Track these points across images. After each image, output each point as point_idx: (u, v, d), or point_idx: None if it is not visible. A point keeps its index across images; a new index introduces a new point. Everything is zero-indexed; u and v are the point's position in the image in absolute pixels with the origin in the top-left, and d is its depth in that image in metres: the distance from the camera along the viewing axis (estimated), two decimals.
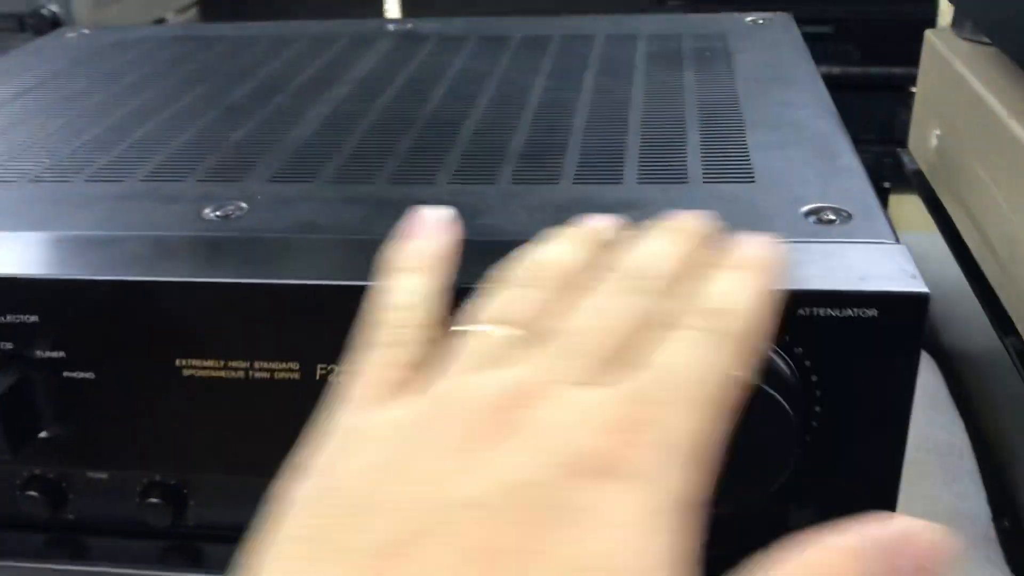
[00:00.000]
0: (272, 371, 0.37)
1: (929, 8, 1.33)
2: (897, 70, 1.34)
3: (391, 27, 0.68)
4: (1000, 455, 0.51)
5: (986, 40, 0.62)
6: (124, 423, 0.39)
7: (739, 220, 0.37)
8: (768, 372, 0.32)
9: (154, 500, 0.42)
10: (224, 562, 0.42)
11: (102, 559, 0.44)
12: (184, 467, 0.40)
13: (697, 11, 1.29)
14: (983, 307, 0.53)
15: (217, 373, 0.37)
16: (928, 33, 0.67)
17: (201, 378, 0.37)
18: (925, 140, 0.67)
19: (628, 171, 0.43)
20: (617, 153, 0.45)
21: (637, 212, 0.39)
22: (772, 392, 0.32)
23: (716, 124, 0.47)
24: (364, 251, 0.36)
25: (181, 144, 0.49)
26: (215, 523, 0.43)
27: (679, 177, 0.42)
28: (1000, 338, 0.50)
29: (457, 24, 0.68)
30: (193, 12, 1.39)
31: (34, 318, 0.37)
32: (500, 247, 0.36)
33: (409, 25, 0.68)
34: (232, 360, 0.37)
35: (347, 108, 0.53)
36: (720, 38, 0.61)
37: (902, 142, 0.74)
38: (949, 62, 0.62)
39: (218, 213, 0.41)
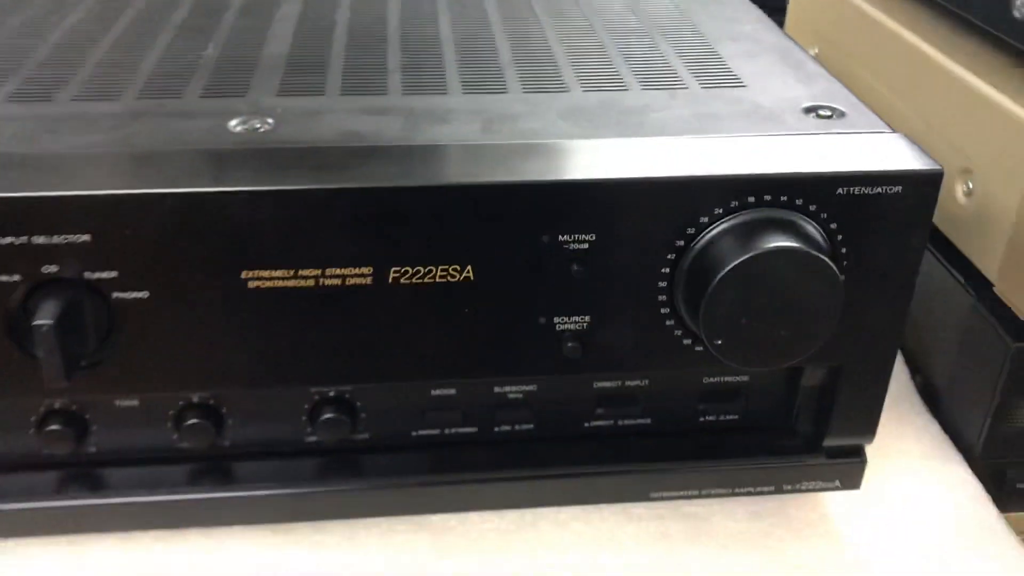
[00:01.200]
0: (344, 277, 0.37)
1: None
2: None
3: None
4: (912, 326, 0.60)
5: None
6: (179, 342, 0.38)
7: (753, 119, 0.42)
8: (814, 245, 0.37)
9: (193, 421, 0.41)
10: (255, 477, 0.43)
11: (126, 488, 0.42)
12: (236, 382, 0.40)
13: None
14: None
15: (287, 283, 0.37)
16: None
17: (269, 289, 0.37)
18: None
19: (629, 80, 0.46)
20: (608, 63, 0.48)
21: (656, 115, 0.42)
22: (825, 259, 0.36)
23: (681, 37, 0.51)
24: (420, 158, 0.38)
25: (156, 63, 0.47)
26: (250, 440, 0.43)
27: (679, 84, 0.45)
28: None
29: None
30: None
31: (85, 238, 0.35)
32: (551, 149, 0.39)
33: None
34: (303, 269, 0.37)
35: (309, 25, 0.52)
36: None
37: None
38: None
39: (245, 127, 0.40)
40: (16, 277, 0.36)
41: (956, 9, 0.55)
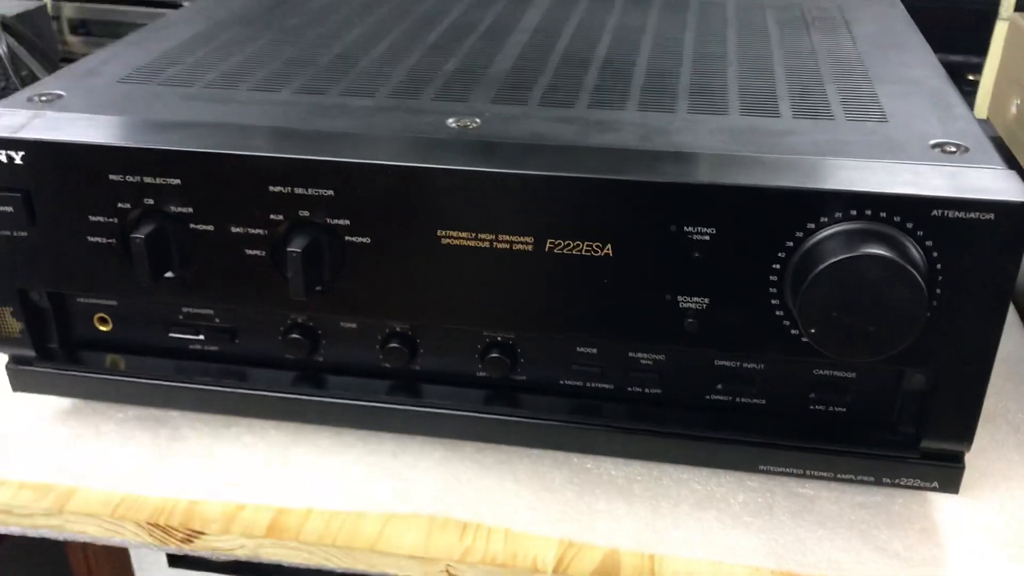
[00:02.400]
0: (511, 243, 0.48)
1: None
2: (957, 57, 1.43)
3: None
4: None
5: None
6: (389, 280, 0.50)
7: (880, 148, 0.48)
8: (907, 257, 0.43)
9: (394, 344, 0.53)
10: (436, 396, 0.54)
11: (341, 391, 0.55)
12: (427, 317, 0.52)
13: None
14: None
15: (470, 243, 0.48)
16: (1015, 16, 0.77)
17: (456, 246, 0.48)
18: (1004, 109, 0.77)
19: (784, 109, 0.53)
20: (771, 94, 0.55)
21: (794, 138, 0.49)
22: (912, 271, 0.42)
23: (848, 78, 0.58)
24: (583, 156, 0.48)
25: (407, 71, 0.60)
26: (436, 368, 0.54)
27: (827, 115, 0.52)
28: None
29: None
30: None
31: (330, 192, 0.48)
32: (691, 158, 0.47)
33: None
34: (482, 233, 0.48)
35: (532, 50, 0.63)
36: (838, 9, 0.71)
37: None
38: None
39: (458, 124, 0.52)
40: (280, 216, 0.49)
41: None
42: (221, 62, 0.61)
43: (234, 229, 0.50)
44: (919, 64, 0.60)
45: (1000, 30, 1.47)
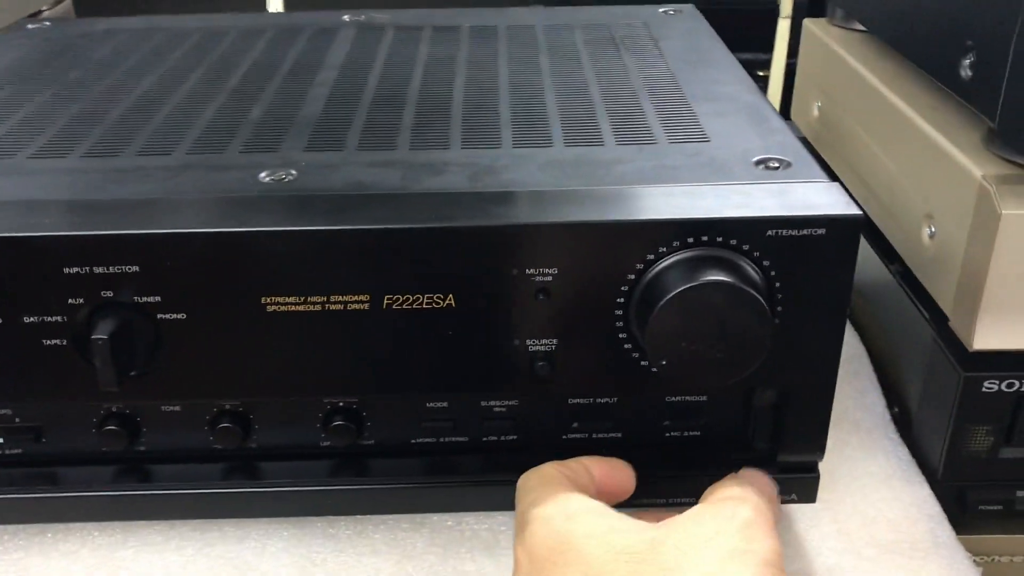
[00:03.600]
0: (345, 303, 0.45)
1: None
2: (746, 55, 1.50)
3: (346, 18, 0.76)
4: (888, 360, 0.64)
5: (854, 27, 0.75)
6: (212, 356, 0.46)
7: (706, 170, 0.48)
8: (747, 280, 0.43)
9: (225, 424, 0.49)
10: (277, 474, 0.50)
11: (170, 481, 0.50)
12: (260, 392, 0.47)
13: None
14: (870, 245, 0.65)
15: (299, 307, 0.44)
16: (807, 22, 0.80)
17: (284, 312, 0.44)
18: (807, 111, 0.79)
19: (607, 136, 0.52)
20: (593, 121, 0.54)
21: (622, 167, 0.48)
22: (754, 293, 0.42)
23: (664, 98, 0.58)
24: (414, 204, 0.45)
25: (208, 122, 0.55)
26: (273, 443, 0.50)
27: (649, 139, 0.52)
28: (886, 265, 0.63)
29: (407, 15, 0.76)
30: (68, 4, 1.41)
31: (135, 268, 0.43)
32: (524, 197, 0.46)
33: (363, 17, 0.76)
34: (311, 296, 0.44)
35: (342, 90, 0.60)
36: (644, 26, 0.72)
37: None
38: (827, 45, 0.75)
39: (272, 178, 0.48)
40: (80, 300, 0.44)
41: (923, 70, 0.60)
42: None
43: (28, 319, 0.44)
44: (730, 79, 0.61)
45: (783, 28, 1.55)
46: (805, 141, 0.80)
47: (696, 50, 0.67)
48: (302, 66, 0.65)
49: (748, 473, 0.47)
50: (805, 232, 0.43)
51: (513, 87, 0.60)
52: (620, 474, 0.48)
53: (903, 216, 0.60)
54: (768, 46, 1.56)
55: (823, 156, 0.76)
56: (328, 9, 0.77)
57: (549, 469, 0.45)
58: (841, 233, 0.43)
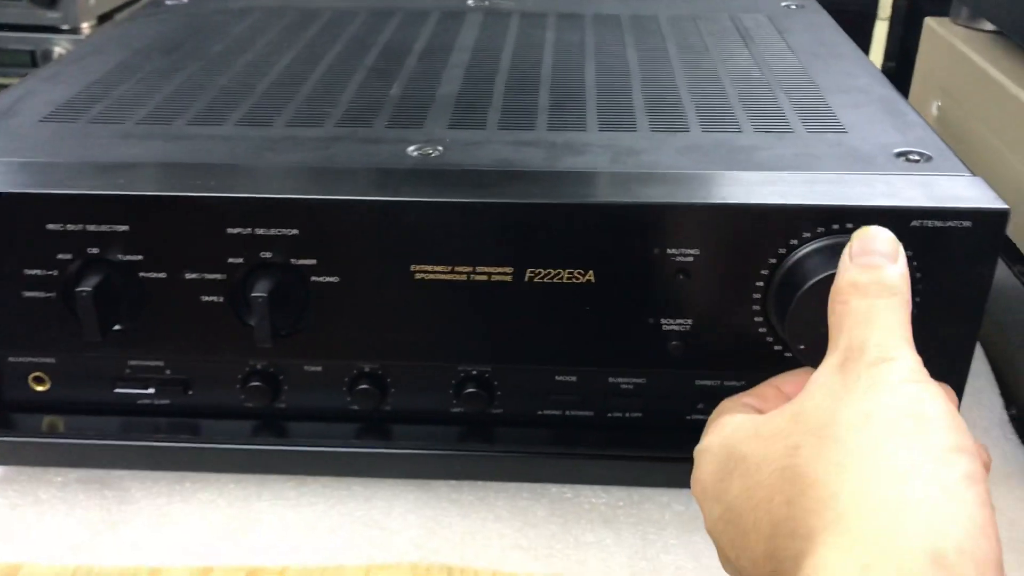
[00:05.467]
0: (490, 274, 0.46)
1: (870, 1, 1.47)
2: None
3: (471, 2, 0.77)
4: (1007, 361, 0.63)
5: (981, 27, 0.74)
6: (359, 320, 0.48)
7: (847, 159, 0.48)
8: None
9: (364, 386, 0.51)
10: (409, 437, 0.51)
11: (306, 438, 0.52)
12: (400, 355, 0.49)
13: None
14: None
15: (446, 276, 0.46)
16: (928, 20, 0.80)
17: (432, 281, 0.46)
18: (926, 110, 0.79)
19: (744, 124, 0.53)
20: (729, 109, 0.55)
21: (762, 152, 0.49)
22: None
23: (798, 89, 0.58)
24: (558, 182, 0.46)
25: (352, 97, 0.57)
26: (407, 408, 0.52)
27: (787, 128, 0.52)
28: (1009, 266, 0.62)
29: (530, 2, 0.77)
30: None
31: (293, 231, 0.46)
32: (667, 178, 0.47)
33: (487, 2, 0.77)
34: (458, 266, 0.46)
35: (477, 71, 0.62)
36: (768, 20, 0.72)
37: None
38: (952, 44, 0.74)
39: (420, 152, 0.50)
40: (240, 260, 0.46)
41: None
42: (151, 95, 0.57)
43: (189, 276, 0.47)
44: (861, 72, 0.61)
45: (880, 31, 1.53)
46: None
47: (824, 43, 0.67)
48: (435, 47, 0.66)
49: (864, 266, 0.40)
50: (951, 224, 0.44)
51: (644, 74, 0.61)
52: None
53: None
54: (864, 49, 1.54)
55: None
56: None
57: (722, 404, 0.44)
58: (986, 226, 0.44)
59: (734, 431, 0.40)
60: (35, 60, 1.17)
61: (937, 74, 0.78)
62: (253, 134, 0.52)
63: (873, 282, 0.38)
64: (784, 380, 0.45)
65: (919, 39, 0.81)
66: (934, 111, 0.77)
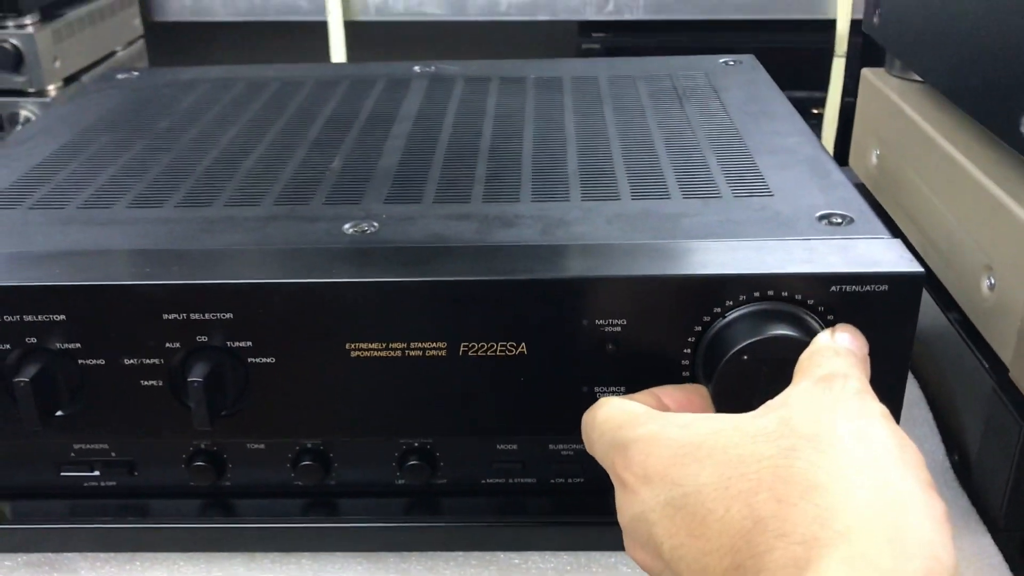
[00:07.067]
0: (424, 350, 0.47)
1: (828, 38, 1.51)
2: (800, 93, 1.51)
3: (417, 68, 0.79)
4: (947, 407, 0.65)
5: (913, 77, 0.76)
6: (297, 398, 0.48)
7: (770, 224, 0.50)
8: (811, 333, 0.44)
9: (307, 462, 0.51)
10: (353, 511, 0.52)
11: (255, 515, 0.53)
12: (341, 431, 0.50)
13: (617, 50, 1.41)
14: (929, 293, 0.66)
15: (381, 353, 0.47)
16: (865, 71, 0.82)
17: (367, 358, 0.47)
18: (866, 158, 0.81)
19: (673, 190, 0.54)
20: (659, 176, 0.56)
21: (688, 220, 0.50)
22: None
23: (729, 151, 0.60)
24: (489, 256, 0.47)
25: (292, 173, 0.58)
26: (352, 480, 0.53)
27: (714, 193, 0.54)
28: (945, 314, 0.64)
29: (475, 66, 0.79)
30: (141, 45, 1.47)
31: (229, 315, 0.46)
32: (595, 250, 0.48)
33: (432, 68, 0.79)
34: (392, 342, 0.47)
35: (416, 141, 0.63)
36: (706, 77, 0.74)
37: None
38: (886, 95, 0.76)
39: (355, 229, 0.51)
40: (177, 344, 0.47)
41: (981, 123, 0.61)
42: (94, 177, 0.58)
43: (127, 361, 0.47)
44: (791, 131, 0.63)
45: (837, 67, 1.56)
46: (863, 188, 0.81)
47: (756, 101, 0.69)
48: (379, 116, 0.68)
49: (841, 338, 0.44)
50: (868, 288, 0.45)
51: (580, 139, 0.62)
52: (696, 397, 0.46)
53: (962, 266, 0.61)
54: (822, 84, 1.57)
55: (882, 203, 0.78)
56: (385, 59, 0.81)
57: (617, 399, 0.44)
58: (903, 289, 0.45)
59: (698, 423, 0.39)
60: (1, 123, 1.18)
61: (874, 123, 0.80)
62: (192, 215, 0.53)
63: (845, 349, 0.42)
64: (663, 391, 0.46)
65: None
66: (873, 160, 0.79)
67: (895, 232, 0.50)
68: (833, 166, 0.57)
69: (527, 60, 0.80)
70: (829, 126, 1.57)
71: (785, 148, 0.60)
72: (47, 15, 1.17)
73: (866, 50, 1.49)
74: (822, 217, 0.50)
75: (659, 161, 0.58)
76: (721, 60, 0.79)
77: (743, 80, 0.74)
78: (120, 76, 0.79)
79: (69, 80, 1.19)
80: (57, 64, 1.17)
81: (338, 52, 1.49)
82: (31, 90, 1.15)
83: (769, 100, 0.69)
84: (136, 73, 0.80)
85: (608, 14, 1.46)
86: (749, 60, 0.79)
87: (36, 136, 0.66)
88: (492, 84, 0.74)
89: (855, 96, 0.84)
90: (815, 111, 1.58)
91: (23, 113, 1.19)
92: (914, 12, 0.73)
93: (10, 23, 1.12)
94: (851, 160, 0.85)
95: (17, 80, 1.15)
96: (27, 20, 1.13)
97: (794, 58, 1.56)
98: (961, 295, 0.62)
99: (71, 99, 0.77)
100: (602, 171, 0.57)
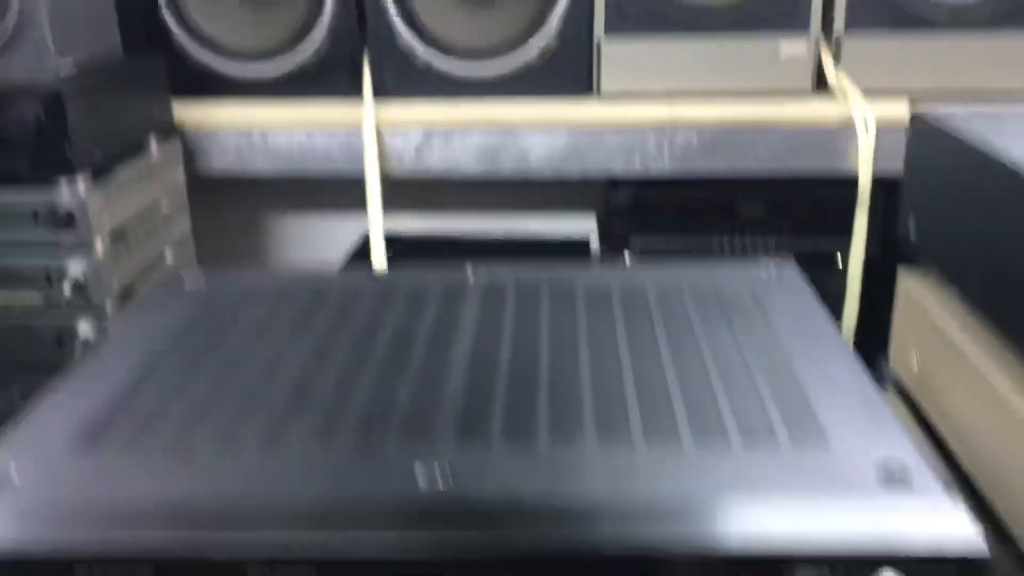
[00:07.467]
0: None
1: (851, 191, 1.54)
2: (823, 242, 1.54)
3: (471, 277, 0.82)
4: None
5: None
6: None
7: (825, 486, 0.51)
8: None
9: None
10: None
11: None
12: None
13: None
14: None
15: None
16: (902, 274, 0.84)
17: None
18: (907, 360, 0.83)
19: (733, 439, 0.56)
20: (718, 420, 0.58)
21: (748, 480, 0.52)
22: None
23: (781, 386, 0.62)
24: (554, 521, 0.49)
25: (364, 404, 0.61)
26: None
27: (773, 444, 0.56)
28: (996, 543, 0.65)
29: (527, 275, 0.81)
30: (183, 196, 1.51)
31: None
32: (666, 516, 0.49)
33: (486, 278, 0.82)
34: None
35: (479, 364, 0.65)
36: (752, 296, 0.76)
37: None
38: (922, 305, 0.78)
39: (427, 480, 0.53)
40: None
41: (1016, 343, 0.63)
42: (172, 412, 0.61)
43: None
44: (831, 354, 0.65)
45: (860, 220, 1.59)
46: (903, 391, 0.83)
47: (798, 319, 0.71)
48: (437, 333, 0.71)
49: None
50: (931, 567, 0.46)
51: (637, 374, 0.64)
52: None
53: (1011, 493, 0.62)
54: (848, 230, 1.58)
55: (923, 408, 0.79)
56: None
57: None
58: (967, 567, 0.46)
59: None
60: (49, 278, 1.20)
61: (913, 329, 0.82)
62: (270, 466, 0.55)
63: None
64: None
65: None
66: (914, 366, 0.81)
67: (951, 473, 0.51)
68: (879, 398, 0.60)
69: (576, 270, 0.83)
70: (853, 278, 1.58)
71: (832, 377, 0.62)
72: (98, 173, 1.20)
73: (888, 203, 1.52)
74: (881, 475, 0.52)
75: (717, 402, 0.60)
76: (763, 272, 0.81)
77: (786, 294, 0.76)
78: (188, 288, 0.82)
79: (116, 235, 1.21)
80: (105, 217, 1.20)
81: (375, 207, 1.53)
82: (78, 243, 1.18)
83: (809, 317, 0.72)
84: (190, 286, 0.82)
85: (634, 171, 1.49)
86: (789, 269, 0.81)
87: (110, 357, 0.69)
88: (543, 299, 0.77)
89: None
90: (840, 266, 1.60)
91: (71, 270, 1.21)
92: (946, 228, 0.76)
93: (63, 183, 1.15)
94: (892, 360, 0.87)
95: (67, 239, 1.18)
96: (79, 179, 1.15)
97: (819, 210, 1.59)
98: (1008, 515, 0.63)
99: (138, 313, 0.80)
100: (662, 413, 0.59)
